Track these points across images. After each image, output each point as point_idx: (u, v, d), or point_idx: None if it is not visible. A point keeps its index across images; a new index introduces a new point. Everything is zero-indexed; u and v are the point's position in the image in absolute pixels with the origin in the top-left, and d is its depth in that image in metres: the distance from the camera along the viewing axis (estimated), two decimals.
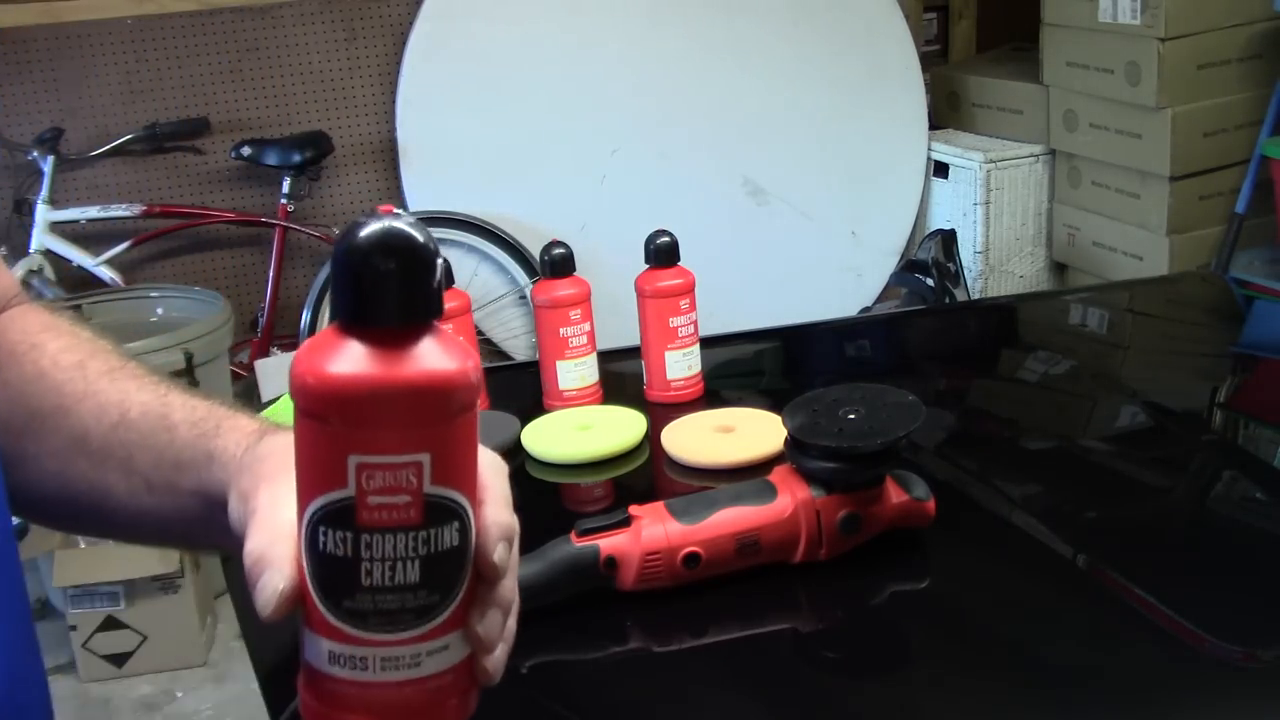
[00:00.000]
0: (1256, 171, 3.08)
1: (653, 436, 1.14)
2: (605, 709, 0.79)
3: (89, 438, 0.69)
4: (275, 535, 0.50)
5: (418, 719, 0.50)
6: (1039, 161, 3.57)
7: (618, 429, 1.14)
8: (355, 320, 0.46)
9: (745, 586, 0.87)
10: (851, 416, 0.89)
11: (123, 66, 3.19)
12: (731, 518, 0.87)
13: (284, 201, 3.21)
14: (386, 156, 3.43)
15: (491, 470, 0.52)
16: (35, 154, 2.99)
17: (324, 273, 3.22)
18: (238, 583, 0.60)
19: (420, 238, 0.46)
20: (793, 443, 0.90)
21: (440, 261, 0.47)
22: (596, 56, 3.42)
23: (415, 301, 0.46)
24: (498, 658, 0.52)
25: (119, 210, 3.10)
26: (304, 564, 0.49)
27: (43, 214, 3.00)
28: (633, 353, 1.26)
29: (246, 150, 3.14)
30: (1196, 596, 0.85)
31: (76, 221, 3.07)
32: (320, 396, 0.46)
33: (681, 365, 1.22)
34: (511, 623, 0.53)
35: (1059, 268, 3.66)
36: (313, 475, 0.47)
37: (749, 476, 0.94)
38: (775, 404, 1.12)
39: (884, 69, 3.66)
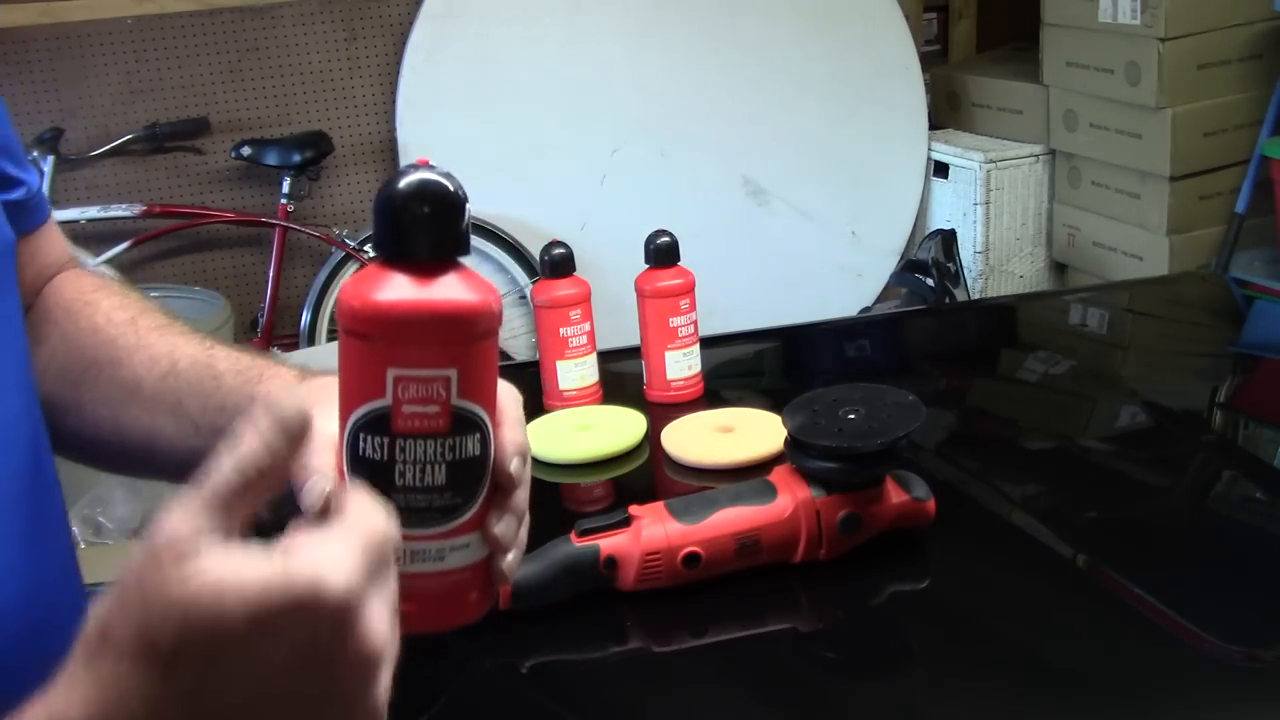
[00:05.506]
0: (1256, 171, 3.08)
1: (653, 436, 1.14)
2: (605, 709, 0.79)
3: (141, 386, 0.76)
4: (319, 447, 0.55)
5: (441, 607, 0.56)
6: (1039, 161, 3.57)
7: (618, 429, 1.14)
8: (396, 253, 0.54)
9: (745, 586, 0.87)
10: (851, 416, 0.89)
11: (123, 66, 3.19)
12: (731, 518, 0.87)
13: (284, 201, 3.21)
14: (386, 156, 3.43)
15: (509, 397, 0.59)
16: (35, 154, 2.99)
17: (324, 272, 3.22)
18: None
19: (450, 186, 0.54)
20: (793, 443, 0.90)
21: (468, 207, 0.55)
22: (596, 56, 3.42)
23: (445, 239, 0.54)
24: (511, 561, 0.58)
25: (119, 210, 3.09)
26: (345, 469, 0.55)
27: None
28: (633, 353, 1.26)
29: (246, 150, 3.14)
30: (1196, 596, 0.85)
31: (76, 221, 3.06)
32: (365, 316, 0.53)
33: (681, 365, 1.22)
34: (523, 532, 0.60)
35: (1059, 268, 3.66)
36: (355, 388, 0.54)
37: (749, 476, 0.94)
38: (775, 404, 1.12)
39: (884, 69, 3.66)
